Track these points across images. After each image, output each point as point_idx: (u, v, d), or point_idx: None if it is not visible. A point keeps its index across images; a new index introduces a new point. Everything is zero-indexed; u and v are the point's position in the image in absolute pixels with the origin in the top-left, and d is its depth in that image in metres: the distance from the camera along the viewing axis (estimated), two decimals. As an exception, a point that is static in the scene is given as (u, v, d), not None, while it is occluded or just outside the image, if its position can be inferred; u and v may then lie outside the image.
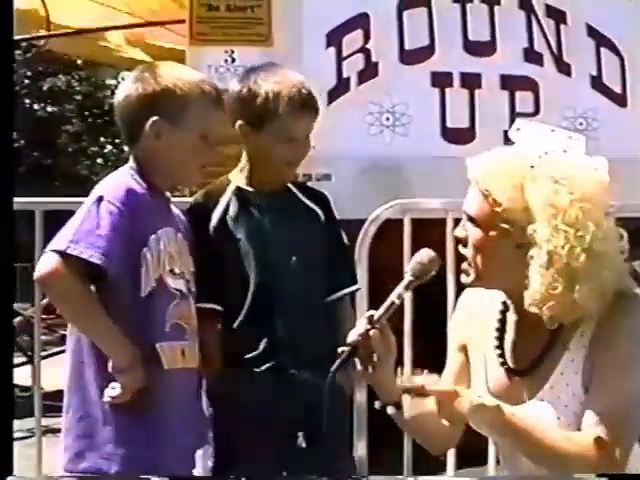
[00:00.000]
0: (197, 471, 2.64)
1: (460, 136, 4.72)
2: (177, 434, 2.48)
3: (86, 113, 20.55)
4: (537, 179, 1.99)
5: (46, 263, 2.39)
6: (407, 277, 2.11)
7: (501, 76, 4.82)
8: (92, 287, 2.43)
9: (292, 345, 2.66)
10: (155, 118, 2.50)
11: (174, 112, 2.51)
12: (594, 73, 4.90)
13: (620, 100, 4.92)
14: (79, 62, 18.07)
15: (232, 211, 2.72)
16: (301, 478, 2.67)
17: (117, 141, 19.34)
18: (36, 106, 20.20)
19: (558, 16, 4.88)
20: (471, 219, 2.06)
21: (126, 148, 2.62)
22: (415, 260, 2.13)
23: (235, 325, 2.68)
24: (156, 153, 2.53)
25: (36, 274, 2.40)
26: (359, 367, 2.08)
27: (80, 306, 2.42)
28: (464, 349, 2.23)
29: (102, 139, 20.72)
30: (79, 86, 20.62)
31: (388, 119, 4.72)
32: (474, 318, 2.22)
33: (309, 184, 3.13)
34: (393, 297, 2.09)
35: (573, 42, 4.88)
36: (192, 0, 4.64)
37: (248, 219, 2.72)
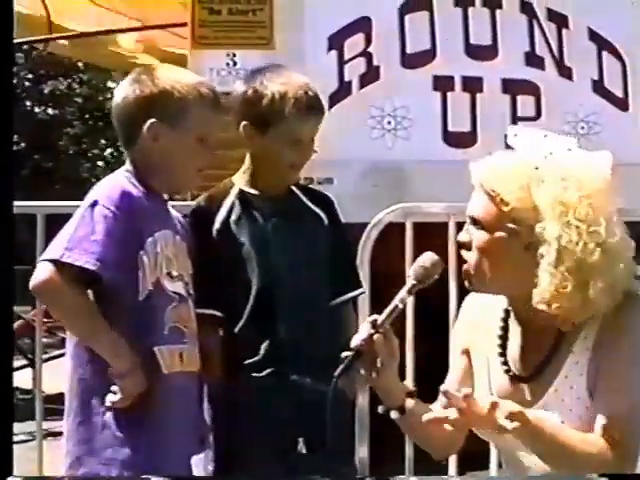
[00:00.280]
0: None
1: (461, 140, 4.72)
2: (177, 438, 2.47)
3: (87, 116, 20.54)
4: (544, 179, 1.99)
5: (41, 272, 2.37)
6: (410, 281, 2.11)
7: (503, 80, 4.82)
8: (90, 292, 2.42)
9: (294, 349, 2.64)
10: (152, 120, 2.48)
11: (172, 114, 2.49)
12: (596, 77, 4.90)
13: (622, 104, 4.92)
14: (80, 65, 18.09)
15: (235, 214, 2.71)
16: (301, 483, 2.66)
17: (118, 144, 19.28)
18: (37, 109, 20.21)
19: (560, 20, 4.88)
20: (476, 222, 2.06)
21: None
22: (418, 264, 2.12)
23: (236, 329, 2.66)
24: (153, 156, 2.51)
25: (31, 283, 2.38)
26: (362, 372, 2.08)
27: (77, 314, 2.41)
28: (467, 355, 2.22)
29: (103, 142, 20.70)
30: (80, 89, 20.62)
31: (390, 123, 4.72)
32: (477, 325, 2.21)
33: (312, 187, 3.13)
34: (396, 301, 2.08)
35: (575, 46, 4.88)
36: (194, 3, 4.65)
37: (251, 222, 2.70)
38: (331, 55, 4.69)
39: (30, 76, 19.40)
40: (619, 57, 4.92)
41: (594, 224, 1.97)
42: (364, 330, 2.06)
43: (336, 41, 4.69)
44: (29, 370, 6.16)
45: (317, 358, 2.60)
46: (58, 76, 19.88)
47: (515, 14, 4.86)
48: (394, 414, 2.12)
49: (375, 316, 2.07)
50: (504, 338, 2.14)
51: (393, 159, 4.69)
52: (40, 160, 19.49)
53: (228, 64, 4.56)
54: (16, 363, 6.07)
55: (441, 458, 2.36)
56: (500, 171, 2.03)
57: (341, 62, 4.70)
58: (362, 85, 4.72)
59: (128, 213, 2.42)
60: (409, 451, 3.51)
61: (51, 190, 16.32)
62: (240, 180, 2.77)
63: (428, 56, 4.77)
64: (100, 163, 21.08)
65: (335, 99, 4.63)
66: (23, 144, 18.15)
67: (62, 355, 2.55)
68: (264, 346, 2.65)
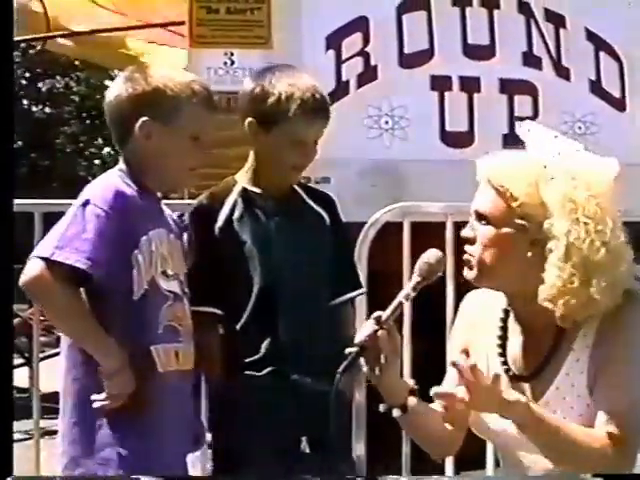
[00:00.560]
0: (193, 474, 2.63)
1: (459, 139, 4.72)
2: (172, 437, 2.47)
3: (84, 114, 20.52)
4: (553, 177, 2.01)
5: (31, 269, 2.37)
6: (415, 277, 2.12)
7: (500, 80, 4.83)
8: (82, 292, 2.41)
9: (295, 348, 2.64)
10: (145, 118, 2.47)
11: (164, 112, 2.49)
12: (593, 77, 4.91)
13: (619, 105, 4.93)
14: (77, 63, 18.06)
15: (238, 212, 2.70)
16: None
17: (115, 143, 19.27)
18: (34, 107, 20.19)
19: (557, 20, 4.89)
20: (482, 217, 2.06)
21: (120, 149, 2.59)
22: (422, 260, 2.13)
23: (237, 328, 2.66)
24: (146, 154, 2.50)
25: (21, 280, 2.37)
26: (365, 369, 2.08)
27: (66, 311, 2.40)
28: (466, 354, 2.22)
29: (100, 140, 20.68)
30: (77, 87, 20.60)
31: (387, 122, 4.72)
32: (476, 324, 2.22)
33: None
34: (401, 297, 2.09)
35: (572, 46, 4.88)
36: (192, 3, 4.65)
37: (254, 221, 2.70)
38: (329, 54, 4.69)
39: (27, 74, 19.38)
40: (616, 57, 4.92)
41: (601, 223, 1.99)
42: (368, 326, 2.07)
43: (334, 41, 4.69)
44: (26, 369, 6.15)
45: (317, 357, 2.60)
46: (55, 74, 19.87)
47: (513, 14, 4.87)
48: (396, 412, 2.12)
49: (379, 312, 2.08)
50: (503, 338, 2.15)
51: (391, 159, 4.69)
52: (37, 158, 19.47)
53: (226, 63, 4.56)
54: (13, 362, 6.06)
55: (439, 458, 2.36)
56: (509, 167, 2.05)
57: (339, 62, 4.70)
58: (360, 85, 4.72)
59: (121, 212, 2.41)
60: (406, 449, 3.51)
61: (48, 188, 16.30)
62: (243, 178, 2.76)
63: (426, 56, 4.77)
64: (97, 162, 21.05)
65: (332, 98, 4.58)
66: (20, 142, 18.12)
67: (58, 354, 2.55)
68: (265, 345, 2.64)
